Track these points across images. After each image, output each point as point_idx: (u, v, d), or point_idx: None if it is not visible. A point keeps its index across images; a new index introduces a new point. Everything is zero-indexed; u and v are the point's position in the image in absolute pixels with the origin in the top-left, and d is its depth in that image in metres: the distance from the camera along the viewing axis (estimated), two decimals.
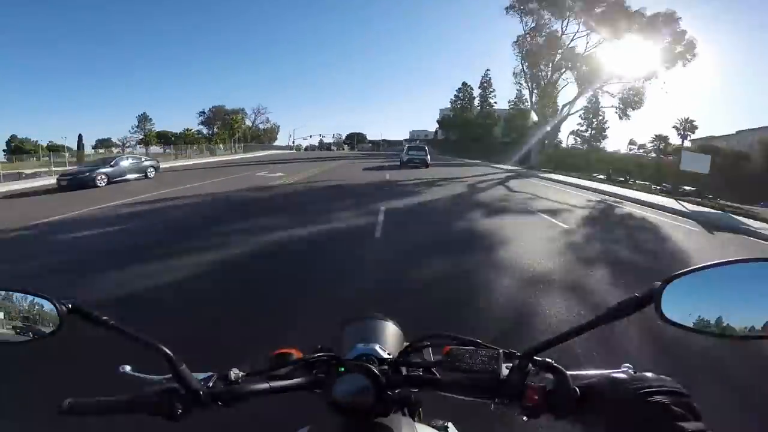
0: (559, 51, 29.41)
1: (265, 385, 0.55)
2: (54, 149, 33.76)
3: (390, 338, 0.75)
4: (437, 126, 63.70)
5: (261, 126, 75.37)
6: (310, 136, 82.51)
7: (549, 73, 31.27)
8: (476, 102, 56.32)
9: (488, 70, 70.95)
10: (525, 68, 32.87)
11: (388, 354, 0.65)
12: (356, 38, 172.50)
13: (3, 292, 0.52)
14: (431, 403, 0.68)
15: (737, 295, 0.44)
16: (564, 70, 30.24)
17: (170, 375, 0.53)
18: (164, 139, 51.74)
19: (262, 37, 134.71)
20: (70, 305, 0.50)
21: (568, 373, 0.50)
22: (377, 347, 0.65)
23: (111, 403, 0.51)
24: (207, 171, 20.32)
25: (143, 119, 55.51)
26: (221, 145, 46.98)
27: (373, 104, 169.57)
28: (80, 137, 53.67)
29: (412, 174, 18.38)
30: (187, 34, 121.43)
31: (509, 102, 49.62)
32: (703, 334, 0.44)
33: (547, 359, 0.52)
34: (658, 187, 17.93)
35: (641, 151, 45.42)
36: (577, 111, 31.20)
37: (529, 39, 30.81)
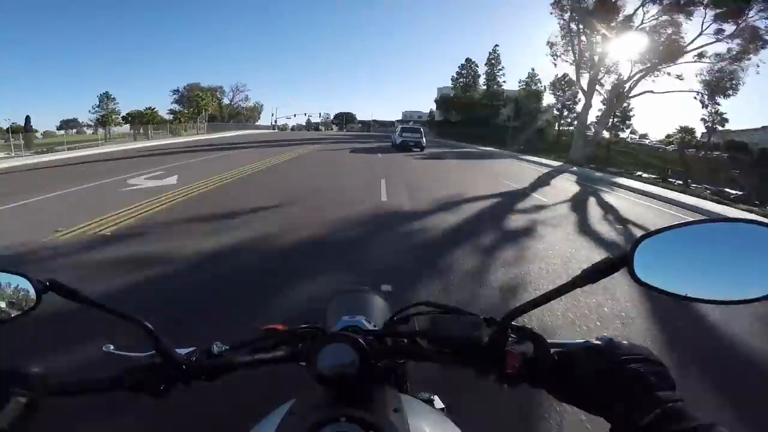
0: (618, 18, 21.00)
1: (248, 358, 0.55)
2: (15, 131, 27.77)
3: (376, 311, 0.76)
4: (434, 106, 57.97)
5: (241, 104, 69.73)
6: (294, 115, 76.40)
7: (598, 46, 22.32)
8: (482, 81, 50.20)
9: (497, 45, 65.44)
10: (571, 33, 22.78)
11: (374, 326, 0.66)
12: (347, 13, 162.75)
13: None
14: (419, 376, 0.69)
15: (713, 257, 0.42)
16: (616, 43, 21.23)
17: (152, 352, 0.53)
18: (134, 118, 46.65)
19: (246, 14, 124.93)
20: (47, 282, 0.49)
21: (549, 341, 0.50)
22: (363, 319, 0.66)
23: (92, 383, 0.51)
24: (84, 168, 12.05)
25: (105, 98, 48.79)
26: (185, 125, 41.43)
27: (363, 84, 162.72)
28: (27, 118, 47.28)
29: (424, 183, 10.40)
30: (165, 9, 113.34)
31: (520, 82, 45.43)
32: (676, 298, 0.44)
33: (527, 326, 0.51)
34: None
35: (660, 143, 40.46)
36: (638, 94, 22.23)
37: None
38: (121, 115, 48.25)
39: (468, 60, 50.92)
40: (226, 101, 65.41)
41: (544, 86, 43.04)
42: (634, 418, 0.39)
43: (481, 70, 50.08)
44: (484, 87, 49.64)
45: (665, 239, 0.43)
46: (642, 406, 0.39)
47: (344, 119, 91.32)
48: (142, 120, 42.41)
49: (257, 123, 72.10)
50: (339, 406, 0.52)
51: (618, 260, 0.43)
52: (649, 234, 0.43)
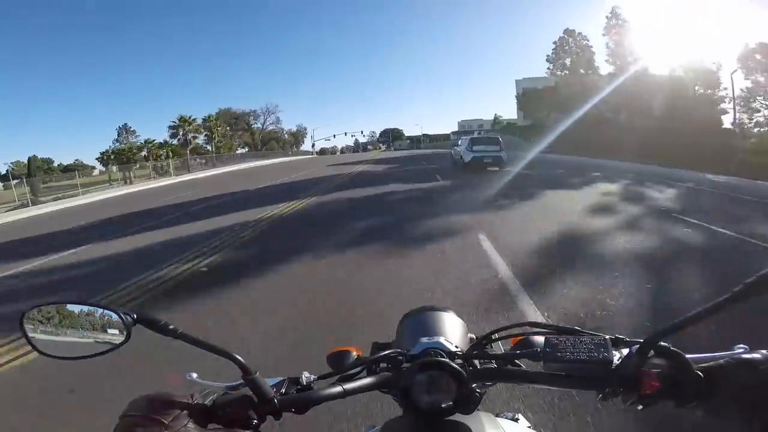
0: None
1: (339, 389, 0.52)
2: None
3: (453, 330, 0.70)
4: (516, 104, 41.71)
5: (273, 128, 64.19)
6: (334, 136, 71.03)
7: None
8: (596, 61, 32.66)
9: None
10: None
11: (456, 347, 0.61)
12: (382, 20, 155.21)
13: (72, 305, 0.52)
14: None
15: None
16: None
17: (239, 381, 0.51)
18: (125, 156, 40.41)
19: (278, 34, 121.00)
20: (135, 315, 0.49)
21: (688, 356, 0.46)
22: (442, 339, 0.61)
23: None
24: None
25: (124, 131, 44.28)
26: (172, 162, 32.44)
27: (408, 96, 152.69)
28: (31, 161, 42.78)
29: None
30: (187, 34, 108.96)
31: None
32: None
33: (662, 342, 0.46)
34: None
35: None
36: None
37: None
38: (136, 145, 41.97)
39: (568, 32, 33.26)
40: (258, 125, 60.48)
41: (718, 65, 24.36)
42: None
43: (595, 42, 31.72)
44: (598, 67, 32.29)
45: None
46: None
47: (391, 136, 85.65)
48: (128, 158, 36.09)
49: (302, 148, 68.24)
50: None
51: None
52: None
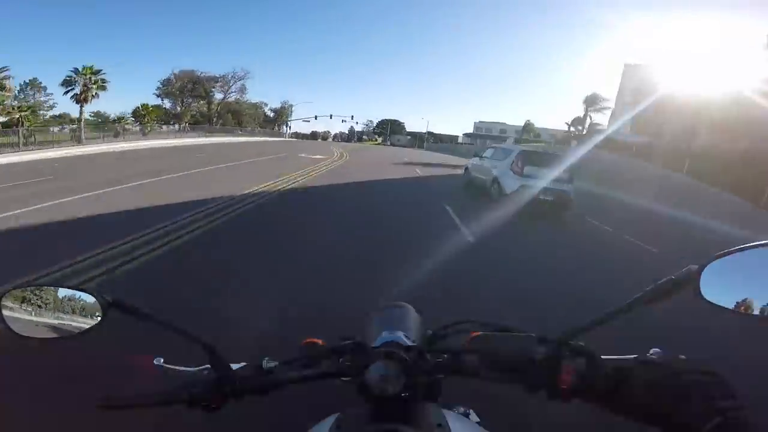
0: None
1: (297, 374, 0.57)
2: None
3: (412, 325, 0.75)
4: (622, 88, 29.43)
5: (238, 98, 51.58)
6: (315, 117, 60.30)
7: None
8: None
9: None
10: None
11: (413, 341, 0.64)
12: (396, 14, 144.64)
13: (48, 288, 0.53)
14: (447, 390, 0.69)
15: None
16: None
17: (206, 366, 0.56)
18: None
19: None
20: (110, 299, 0.51)
21: (602, 357, 0.50)
22: (401, 334, 0.64)
23: (149, 397, 0.53)
24: None
25: (30, 86, 33.85)
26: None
27: (415, 89, 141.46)
28: None
29: None
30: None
31: None
32: (742, 316, 0.44)
33: (579, 342, 0.52)
34: None
35: None
36: None
37: None
38: None
39: None
40: (219, 96, 48.54)
41: None
42: (693, 427, 0.39)
43: None
44: None
45: (731, 261, 0.44)
46: (701, 416, 0.39)
47: (389, 128, 77.04)
48: None
49: (288, 129, 59.69)
50: (384, 421, 0.53)
51: (683, 279, 0.44)
52: (717, 256, 0.44)
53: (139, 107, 34.54)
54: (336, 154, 21.81)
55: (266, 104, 61.62)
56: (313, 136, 79.91)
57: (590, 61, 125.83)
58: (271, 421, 1.64)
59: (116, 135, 23.54)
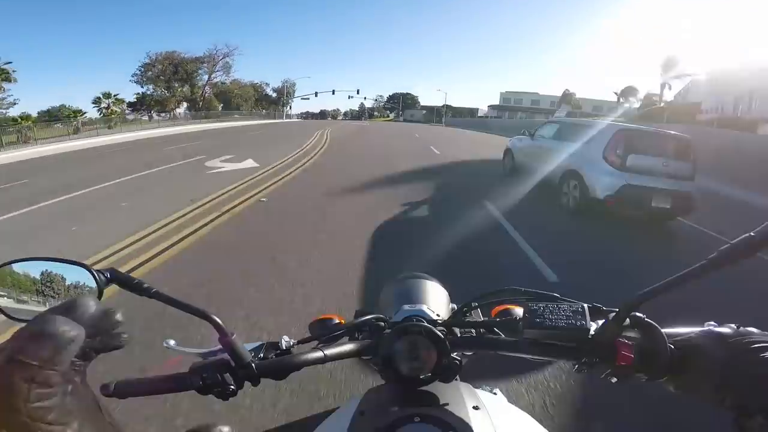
0: None
1: (320, 354, 0.49)
2: None
3: (435, 298, 0.70)
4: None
5: (220, 78, 47.04)
6: (315, 94, 56.12)
7: None
8: None
9: None
10: None
11: (437, 315, 0.60)
12: None
13: (41, 262, 0.48)
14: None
15: None
16: None
17: (218, 347, 0.48)
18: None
19: None
20: (108, 274, 0.46)
21: (664, 330, 0.44)
22: (424, 308, 0.61)
23: (159, 383, 0.46)
24: None
25: None
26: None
27: (429, 59, 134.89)
28: None
29: None
30: None
31: None
32: None
33: (637, 313, 0.45)
34: None
35: None
36: None
37: None
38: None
39: None
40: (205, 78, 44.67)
41: None
42: None
43: None
44: None
45: None
46: None
47: (401, 103, 72.65)
48: None
49: (290, 111, 56.31)
50: (412, 404, 0.50)
51: (762, 239, 0.38)
52: None
53: (100, 96, 31.58)
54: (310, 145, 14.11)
55: (267, 84, 58.21)
56: (322, 115, 76.76)
57: (635, 21, 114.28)
58: (287, 403, 1.58)
59: (76, 131, 20.50)
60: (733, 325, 0.42)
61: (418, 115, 66.85)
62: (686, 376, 0.42)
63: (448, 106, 64.85)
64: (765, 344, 0.38)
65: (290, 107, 65.57)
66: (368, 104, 72.44)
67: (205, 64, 44.02)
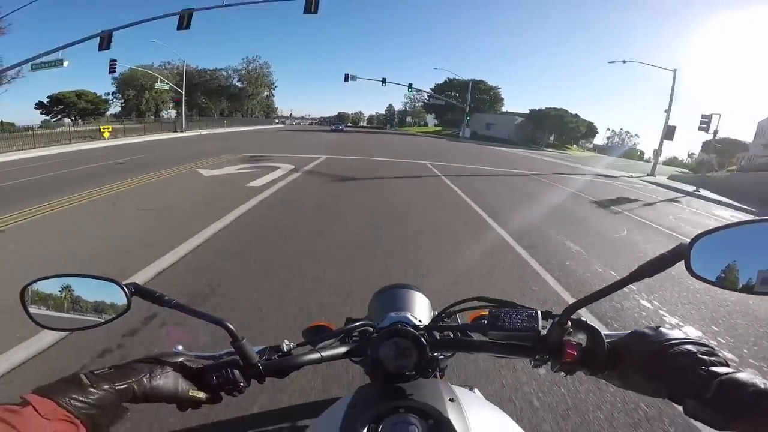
0: None
1: (317, 355, 0.57)
2: None
3: (419, 306, 0.79)
4: None
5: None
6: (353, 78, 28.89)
7: None
8: None
9: None
10: None
11: (419, 321, 0.67)
12: None
13: (72, 278, 0.53)
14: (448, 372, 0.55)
15: (757, 252, 0.47)
16: None
17: (227, 350, 0.55)
18: None
19: None
20: (132, 288, 0.51)
21: (602, 332, 0.52)
22: (409, 315, 0.67)
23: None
24: None
25: None
26: None
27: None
28: None
29: None
30: None
31: None
32: (727, 289, 0.47)
33: (582, 318, 0.54)
34: None
35: None
36: None
37: None
38: None
39: None
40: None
41: None
42: (695, 394, 0.41)
43: None
44: None
45: (718, 237, 0.47)
46: (701, 383, 0.41)
47: (468, 98, 35.55)
48: None
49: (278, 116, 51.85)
50: (397, 398, 0.55)
51: (674, 255, 0.47)
52: (704, 233, 0.47)
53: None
54: None
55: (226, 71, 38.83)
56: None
57: None
58: (285, 402, 1.65)
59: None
60: (654, 326, 0.50)
61: (504, 125, 34.94)
62: (621, 371, 0.50)
63: (576, 117, 32.10)
64: (678, 341, 0.46)
65: (276, 107, 50.33)
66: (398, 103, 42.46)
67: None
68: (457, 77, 38.73)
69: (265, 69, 44.96)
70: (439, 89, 41.56)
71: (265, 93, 48.82)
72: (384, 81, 31.57)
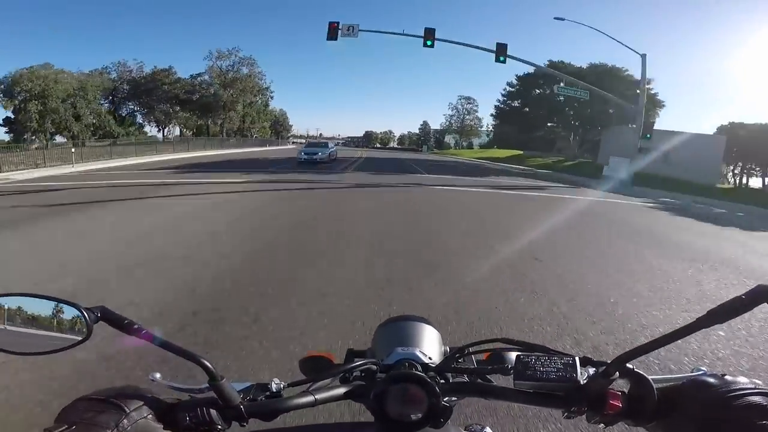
0: None
1: (310, 398, 0.51)
2: None
3: (428, 341, 0.70)
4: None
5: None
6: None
7: None
8: None
9: None
10: None
11: (430, 358, 0.61)
12: None
13: (30, 299, 0.49)
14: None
15: None
16: None
17: (205, 385, 0.49)
18: None
19: None
20: (99, 313, 0.47)
21: (651, 377, 0.47)
22: (417, 351, 0.61)
23: None
24: None
25: None
26: None
27: None
28: None
29: None
30: None
31: None
32: None
33: (627, 364, 0.47)
34: None
35: None
36: None
37: None
38: None
39: None
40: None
41: None
42: None
43: None
44: None
45: None
46: None
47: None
48: None
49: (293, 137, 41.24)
50: None
51: (754, 296, 0.41)
52: None
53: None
54: None
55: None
56: (367, 137, 60.59)
57: None
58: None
59: None
60: (719, 373, 0.45)
61: (699, 149, 16.86)
62: (671, 420, 0.44)
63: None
64: (744, 392, 0.40)
65: (291, 125, 40.54)
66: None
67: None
68: (568, 62, 23.43)
69: (249, 67, 31.27)
70: (514, 92, 26.68)
71: (258, 101, 34.69)
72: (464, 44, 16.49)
